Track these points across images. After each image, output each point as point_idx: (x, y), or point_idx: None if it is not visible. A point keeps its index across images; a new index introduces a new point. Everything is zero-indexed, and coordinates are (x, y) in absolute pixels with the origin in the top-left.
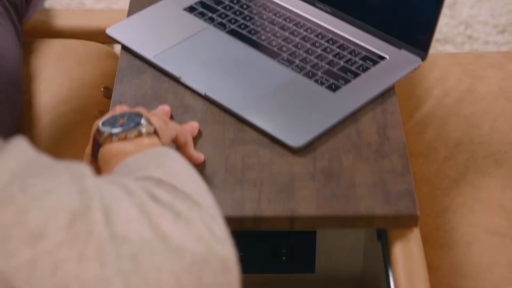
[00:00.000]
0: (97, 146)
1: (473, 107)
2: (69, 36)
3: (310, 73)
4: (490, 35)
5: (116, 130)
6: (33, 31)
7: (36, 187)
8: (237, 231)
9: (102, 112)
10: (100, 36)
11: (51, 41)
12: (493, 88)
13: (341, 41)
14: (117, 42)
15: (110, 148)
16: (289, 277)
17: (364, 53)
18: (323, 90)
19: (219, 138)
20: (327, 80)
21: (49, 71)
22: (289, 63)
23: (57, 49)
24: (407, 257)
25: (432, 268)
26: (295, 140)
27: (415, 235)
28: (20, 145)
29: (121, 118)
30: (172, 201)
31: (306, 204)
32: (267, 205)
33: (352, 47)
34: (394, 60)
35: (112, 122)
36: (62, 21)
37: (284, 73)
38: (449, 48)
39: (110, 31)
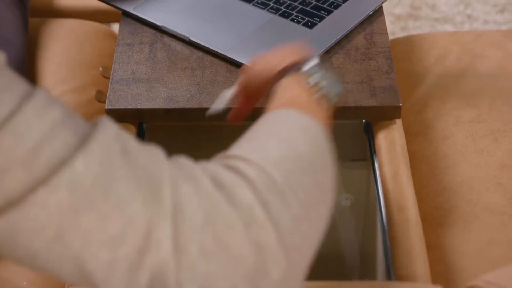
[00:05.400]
0: (286, 71)
1: (472, 86)
2: (67, 15)
3: (286, 14)
4: (490, 14)
5: (322, 81)
6: (31, 11)
7: (116, 194)
8: None
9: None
10: (99, 16)
11: (49, 21)
12: (492, 67)
13: None
14: None
15: (297, 85)
16: None
17: None
18: (300, 28)
19: (212, 79)
20: (303, 19)
21: (48, 50)
22: (264, 5)
23: (56, 29)
24: (390, 146)
25: (431, 247)
26: None
27: (397, 126)
28: (103, 139)
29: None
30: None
31: None
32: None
33: None
34: None
35: (317, 71)
36: (60, 0)
37: (261, 15)
38: (448, 28)
39: None
